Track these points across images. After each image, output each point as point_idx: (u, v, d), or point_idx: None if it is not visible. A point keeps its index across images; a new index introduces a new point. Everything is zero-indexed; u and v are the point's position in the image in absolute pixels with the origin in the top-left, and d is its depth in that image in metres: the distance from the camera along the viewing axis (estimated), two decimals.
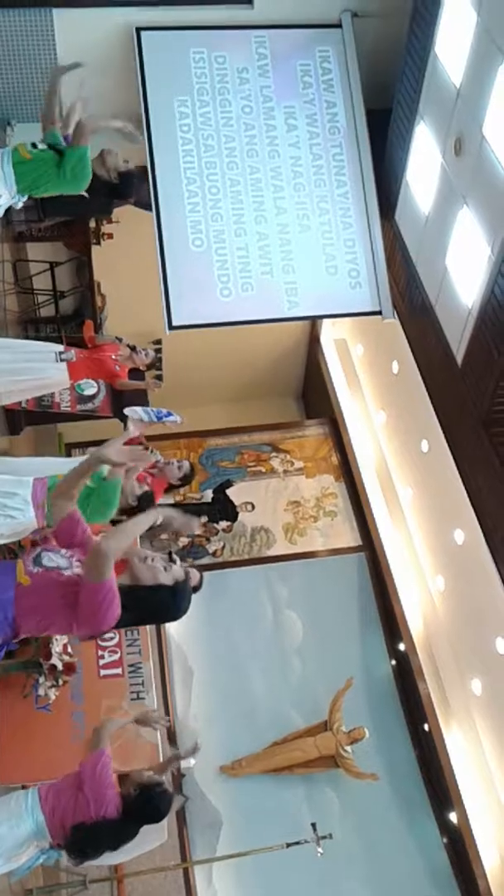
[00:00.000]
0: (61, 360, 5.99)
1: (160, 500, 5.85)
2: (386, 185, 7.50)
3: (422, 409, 7.70)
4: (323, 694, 8.54)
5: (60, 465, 5.79)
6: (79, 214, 8.54)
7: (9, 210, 6.99)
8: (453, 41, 6.22)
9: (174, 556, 5.43)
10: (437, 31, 6.40)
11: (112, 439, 3.66)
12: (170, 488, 5.92)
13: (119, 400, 7.49)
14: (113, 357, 6.28)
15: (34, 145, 4.84)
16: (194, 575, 5.20)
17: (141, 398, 7.81)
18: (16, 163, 4.73)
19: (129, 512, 4.93)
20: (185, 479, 5.93)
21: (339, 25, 7.47)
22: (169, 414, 6.05)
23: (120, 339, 6.79)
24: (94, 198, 5.13)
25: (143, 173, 5.19)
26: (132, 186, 5.26)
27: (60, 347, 6.25)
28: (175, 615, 3.46)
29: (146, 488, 4.94)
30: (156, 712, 5.21)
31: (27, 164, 4.74)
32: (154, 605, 3.38)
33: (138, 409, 6.08)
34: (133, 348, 6.41)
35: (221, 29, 7.42)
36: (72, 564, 3.36)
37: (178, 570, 3.42)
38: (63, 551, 3.44)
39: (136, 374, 6.62)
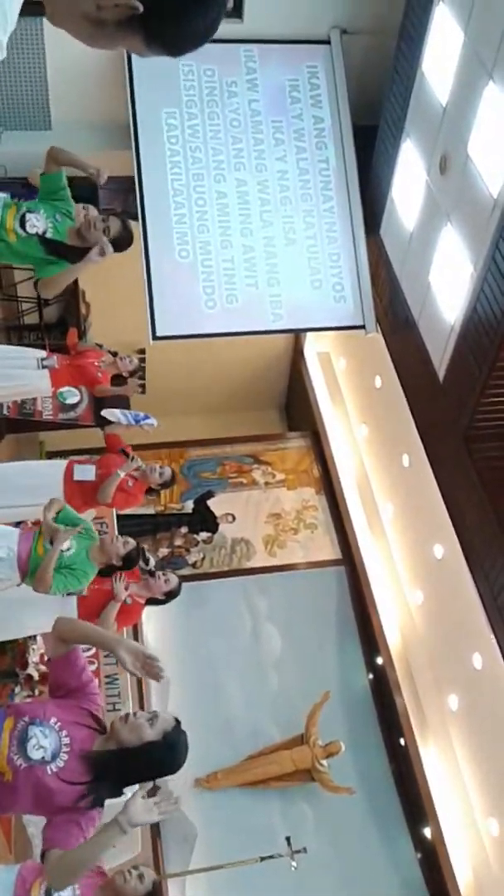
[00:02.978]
0: (43, 367, 5.97)
1: (140, 502, 5.89)
2: (371, 201, 7.55)
3: (403, 424, 7.73)
4: (300, 707, 8.52)
5: (42, 470, 5.80)
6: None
7: None
8: (440, 60, 6.29)
9: (148, 556, 5.47)
10: (425, 49, 6.47)
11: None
12: (149, 492, 5.97)
13: (101, 408, 7.48)
14: (95, 363, 6.28)
15: (22, 221, 4.29)
16: (172, 580, 5.28)
17: (122, 405, 7.80)
18: None
19: (117, 569, 4.94)
20: (165, 485, 6.00)
21: (327, 42, 7.53)
22: (146, 417, 6.11)
23: (100, 346, 6.79)
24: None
25: (127, 231, 4.71)
26: (122, 245, 4.80)
27: (42, 353, 6.23)
28: (172, 768, 3.16)
29: (131, 546, 4.89)
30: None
31: (10, 246, 4.30)
32: (146, 766, 3.10)
33: (116, 411, 6.11)
34: (115, 354, 6.41)
35: (211, 42, 7.47)
36: (61, 745, 3.02)
37: (164, 719, 3.07)
38: (53, 721, 3.06)
39: (118, 380, 6.62)
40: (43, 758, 2.99)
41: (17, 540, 4.58)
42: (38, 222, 4.32)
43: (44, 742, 3.01)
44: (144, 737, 3.01)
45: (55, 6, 1.32)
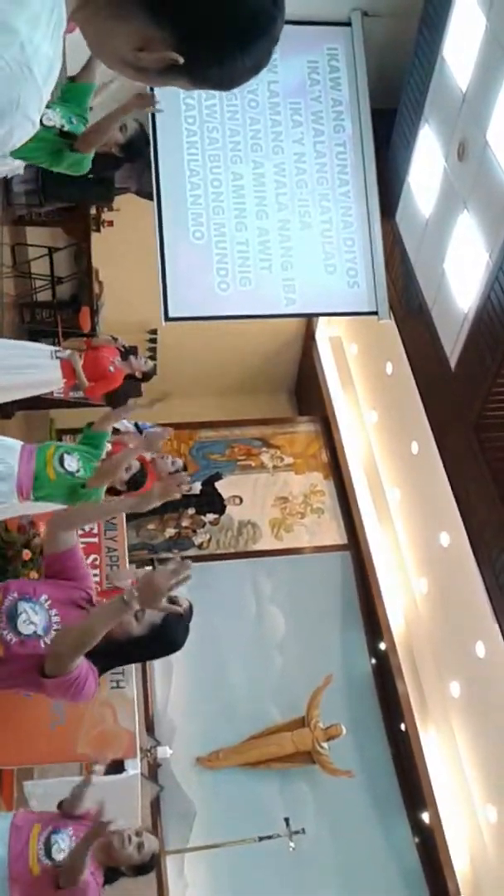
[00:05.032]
0: (56, 358, 5.99)
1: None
2: (388, 186, 7.51)
3: (413, 411, 7.73)
4: (302, 690, 8.57)
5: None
6: (80, 200, 8.51)
7: (8, 192, 6.90)
8: (462, 45, 6.24)
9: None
10: (446, 34, 6.41)
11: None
12: None
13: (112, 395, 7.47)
14: (110, 359, 6.27)
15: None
16: (183, 603, 5.15)
17: (133, 392, 7.81)
18: None
19: (121, 492, 4.94)
20: None
21: (348, 24, 7.46)
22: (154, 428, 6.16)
23: (115, 339, 6.78)
24: (96, 184, 4.76)
25: (144, 134, 4.64)
26: (139, 150, 4.70)
27: (56, 348, 6.25)
28: (167, 653, 3.31)
29: (135, 469, 4.87)
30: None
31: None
32: (139, 653, 3.28)
33: (126, 422, 6.18)
34: (132, 352, 6.39)
35: None
36: (51, 623, 3.02)
37: (152, 613, 3.09)
38: (43, 598, 3.06)
39: (130, 379, 6.60)
40: (35, 632, 2.99)
41: (18, 456, 4.29)
42: (53, 116, 4.31)
43: (34, 618, 3.00)
44: (132, 632, 3.06)
45: (98, 48, 1.29)
